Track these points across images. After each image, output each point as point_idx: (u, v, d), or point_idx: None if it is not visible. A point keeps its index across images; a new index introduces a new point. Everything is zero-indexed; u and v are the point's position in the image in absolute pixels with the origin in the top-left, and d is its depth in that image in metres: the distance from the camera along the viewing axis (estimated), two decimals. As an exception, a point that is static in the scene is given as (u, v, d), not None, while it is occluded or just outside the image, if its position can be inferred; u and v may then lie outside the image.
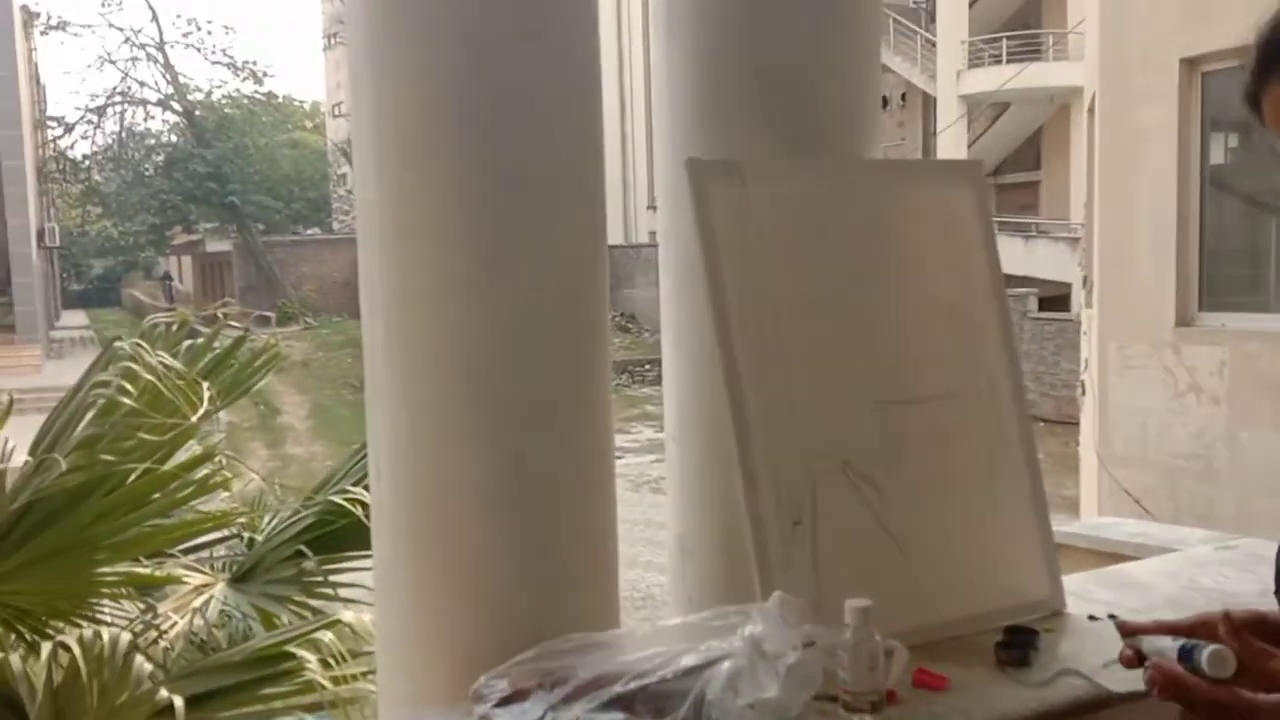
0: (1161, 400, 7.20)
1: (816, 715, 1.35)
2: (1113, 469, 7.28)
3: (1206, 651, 0.82)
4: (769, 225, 1.64)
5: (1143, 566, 1.97)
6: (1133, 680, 1.46)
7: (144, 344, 3.25)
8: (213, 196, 31.25)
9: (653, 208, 23.03)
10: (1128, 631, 0.93)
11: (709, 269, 1.59)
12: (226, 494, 4.47)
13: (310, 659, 2.68)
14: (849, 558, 1.59)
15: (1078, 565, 1.83)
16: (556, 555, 1.50)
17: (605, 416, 1.60)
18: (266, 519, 3.66)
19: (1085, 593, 1.79)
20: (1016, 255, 16.04)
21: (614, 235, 23.16)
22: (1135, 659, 0.92)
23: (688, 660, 1.32)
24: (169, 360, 3.22)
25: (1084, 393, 8.09)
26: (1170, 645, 0.87)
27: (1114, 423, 7.47)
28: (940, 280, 1.77)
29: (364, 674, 2.60)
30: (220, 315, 4.29)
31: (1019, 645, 1.53)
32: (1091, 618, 1.68)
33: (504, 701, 1.30)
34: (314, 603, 3.30)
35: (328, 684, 2.59)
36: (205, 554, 3.83)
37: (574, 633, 1.42)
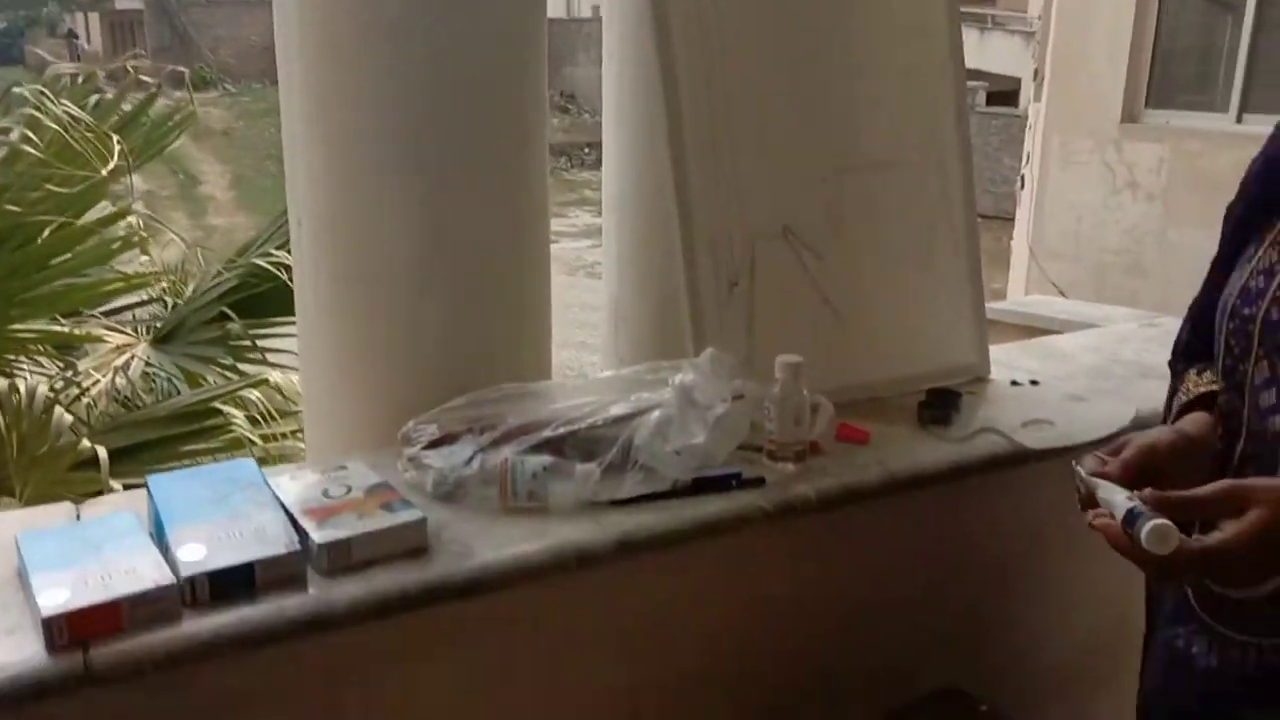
0: (1099, 196, 7.27)
1: (742, 463, 1.37)
2: (1044, 262, 7.42)
3: (1147, 527, 0.83)
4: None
5: (1067, 339, 2.01)
6: (1049, 439, 1.52)
7: (48, 93, 3.04)
8: (122, -53, 28.75)
9: (598, -20, 21.87)
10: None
11: (659, 32, 1.49)
12: (145, 258, 4.33)
13: (237, 415, 2.68)
14: (784, 321, 1.59)
15: (1006, 339, 1.85)
16: (488, 317, 1.46)
17: (540, 185, 1.53)
18: (191, 285, 3.58)
19: (1010, 361, 1.82)
20: (970, 47, 15.48)
21: (555, 8, 22.01)
22: (1089, 501, 0.95)
23: (617, 409, 1.32)
24: (75, 111, 3.03)
25: (1023, 186, 8.11)
26: (1121, 502, 0.88)
27: (1050, 216, 7.55)
28: (899, 40, 1.68)
29: (293, 432, 2.61)
30: (130, 70, 4.03)
31: (941, 405, 1.56)
32: (1014, 383, 1.72)
33: (432, 444, 1.29)
34: (242, 366, 3.27)
35: (256, 439, 2.60)
36: (127, 317, 3.75)
37: (505, 382, 1.41)
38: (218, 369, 3.27)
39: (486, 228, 1.46)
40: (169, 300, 3.79)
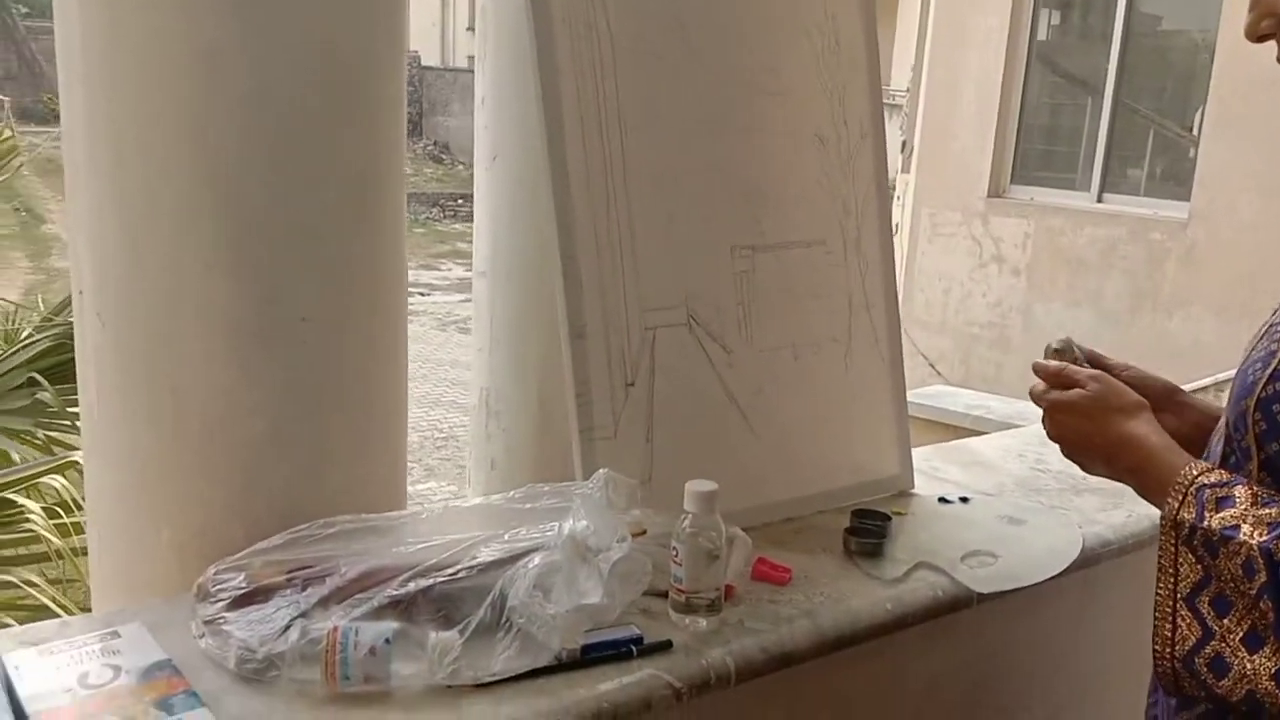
0: (966, 269, 7.38)
1: (641, 614, 1.11)
2: (913, 333, 7.47)
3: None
4: (618, 22, 1.30)
5: (989, 443, 1.83)
6: (995, 579, 1.31)
7: None
8: (-37, -33, 27.02)
9: (473, 29, 21.64)
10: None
11: (542, 66, 1.23)
12: (-48, 306, 3.82)
13: (34, 508, 2.27)
14: (687, 428, 1.34)
15: (915, 437, 1.66)
16: (323, 418, 1.16)
17: (396, 247, 1.24)
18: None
19: (932, 470, 1.62)
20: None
21: (430, 57, 21.63)
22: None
23: (486, 553, 1.04)
24: None
25: (895, 262, 8.21)
26: None
27: (918, 289, 7.63)
28: (814, 103, 1.48)
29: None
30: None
31: (870, 533, 1.34)
32: (942, 499, 1.51)
33: (239, 601, 0.98)
34: (60, 440, 2.86)
35: (53, 536, 2.19)
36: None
37: (341, 513, 1.11)
38: (29, 444, 2.84)
39: (326, 306, 1.17)
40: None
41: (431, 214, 15.80)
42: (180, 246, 1.10)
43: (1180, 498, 0.90)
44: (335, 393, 1.18)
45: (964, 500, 1.51)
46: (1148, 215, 6.35)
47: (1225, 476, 0.90)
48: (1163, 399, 1.19)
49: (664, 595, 1.12)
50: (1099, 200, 6.73)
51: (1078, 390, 1.04)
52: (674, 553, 1.09)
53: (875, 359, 1.55)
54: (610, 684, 0.99)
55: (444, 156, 19.22)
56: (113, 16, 1.07)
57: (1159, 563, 0.90)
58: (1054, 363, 1.08)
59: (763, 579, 1.23)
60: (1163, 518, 0.90)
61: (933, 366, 7.53)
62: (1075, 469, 1.69)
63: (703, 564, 1.09)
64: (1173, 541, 0.89)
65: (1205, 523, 0.87)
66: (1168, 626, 0.89)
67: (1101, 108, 6.67)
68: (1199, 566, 0.88)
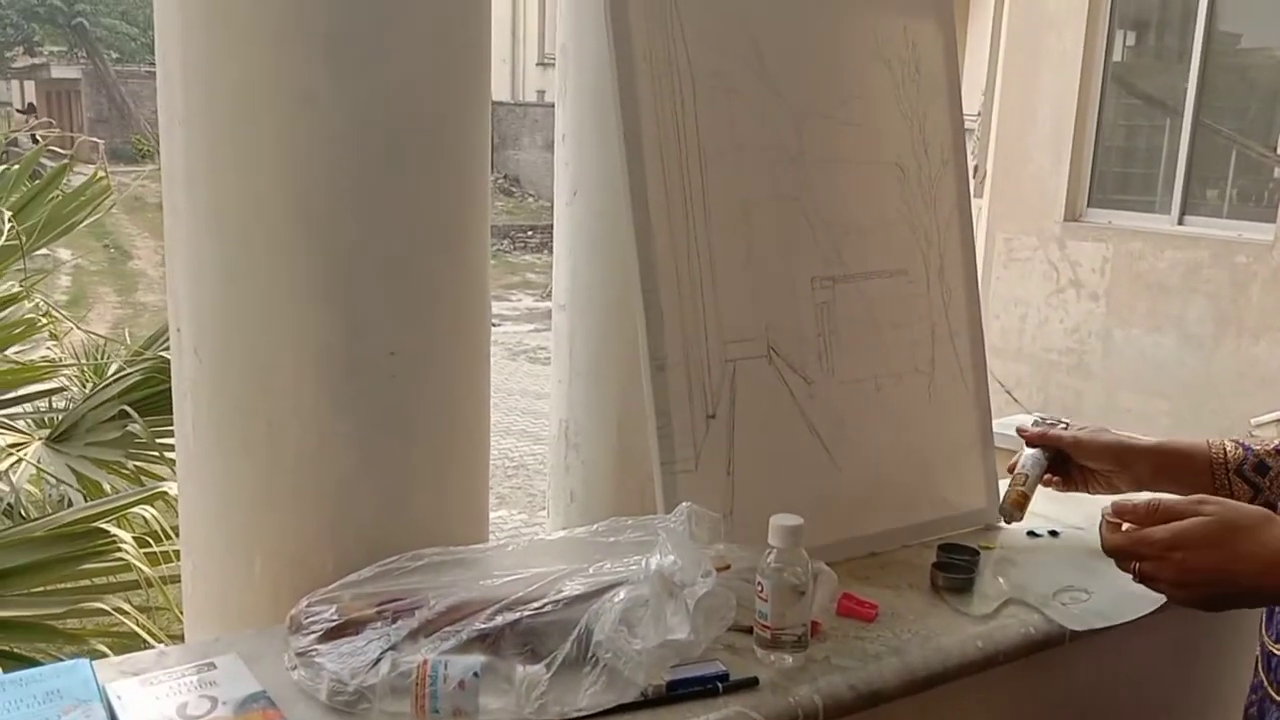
0: (1042, 294, 7.24)
1: (725, 650, 1.10)
2: (989, 360, 7.34)
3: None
4: (697, 57, 1.31)
5: (1077, 475, 1.78)
6: (1088, 616, 1.27)
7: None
8: (58, 16, 28.33)
9: (542, 64, 21.98)
10: None
11: (624, 102, 1.25)
12: (53, 342, 3.96)
13: (125, 537, 2.33)
14: (768, 461, 1.33)
15: (1000, 469, 1.62)
16: (409, 449, 1.18)
17: (480, 282, 1.26)
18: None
19: (1018, 503, 1.58)
20: (907, 142, 15.84)
21: (500, 92, 22.05)
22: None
23: (571, 587, 1.04)
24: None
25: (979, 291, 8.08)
26: None
27: (994, 315, 7.50)
28: (893, 131, 1.47)
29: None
30: (36, 138, 3.76)
31: (958, 568, 1.31)
32: (1031, 534, 1.47)
33: (329, 635, 1.00)
34: (149, 471, 2.95)
35: (143, 565, 2.25)
36: (27, 408, 3.41)
37: (427, 546, 1.13)
38: (119, 474, 2.93)
39: (413, 340, 1.19)
40: (77, 393, 3.47)
41: (502, 245, 16.03)
42: (274, 283, 1.13)
43: None
44: (422, 424, 1.20)
45: (1054, 534, 1.47)
46: (1231, 237, 6.17)
47: None
48: (1133, 454, 1.32)
49: (748, 631, 1.11)
50: (1180, 223, 6.56)
51: (1196, 519, 0.93)
52: (759, 588, 1.08)
53: (960, 389, 1.53)
54: (696, 721, 0.98)
55: (514, 189, 19.53)
56: (212, 61, 1.11)
57: None
58: (1139, 498, 0.99)
59: (848, 615, 1.21)
60: None
61: (1010, 394, 7.38)
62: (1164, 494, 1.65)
63: (788, 599, 1.07)
64: None
65: None
66: None
67: (1181, 128, 6.52)
68: None
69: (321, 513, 1.15)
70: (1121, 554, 0.98)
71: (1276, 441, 1.29)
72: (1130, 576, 1.04)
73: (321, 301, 1.12)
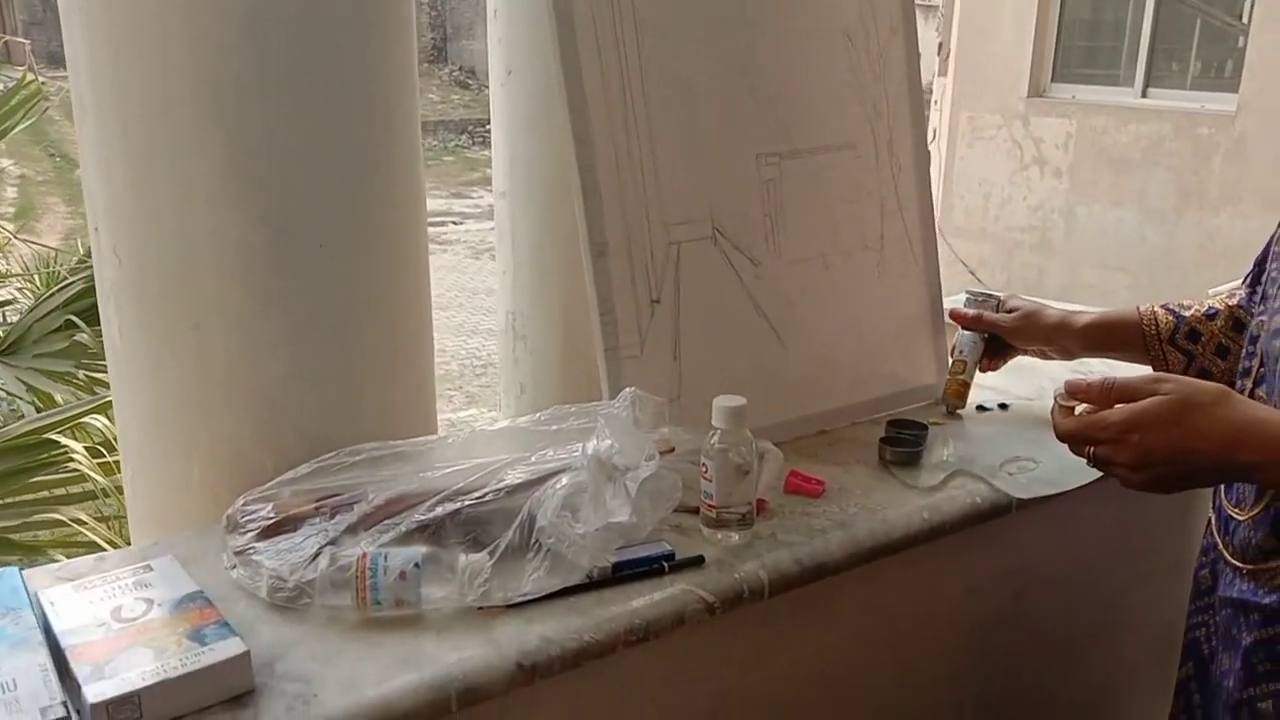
0: (1006, 173, 7.20)
1: (673, 531, 1.10)
2: (952, 240, 7.33)
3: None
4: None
5: (1029, 347, 1.78)
6: (1035, 485, 1.28)
7: None
8: (-19, -89, 26.80)
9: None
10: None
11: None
12: (-1, 255, 3.87)
13: (76, 448, 2.31)
14: (715, 344, 1.31)
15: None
16: (345, 346, 1.15)
17: (412, 167, 1.21)
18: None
19: (969, 377, 1.58)
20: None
21: (452, -20, 21.17)
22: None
23: (513, 475, 1.03)
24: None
25: (929, 163, 8.02)
26: None
27: (958, 195, 7.47)
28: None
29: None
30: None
31: (906, 442, 1.31)
32: (981, 407, 1.48)
33: (267, 532, 0.98)
34: (103, 376, 2.90)
35: (97, 475, 2.23)
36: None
37: (371, 440, 1.11)
38: (72, 384, 2.89)
39: (343, 232, 1.14)
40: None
41: (460, 141, 15.67)
42: (187, 178, 1.08)
43: None
44: (358, 320, 1.17)
45: (1003, 407, 1.48)
46: (1194, 109, 6.12)
47: None
48: (1067, 336, 1.34)
49: (696, 511, 1.11)
50: (1143, 96, 6.49)
51: (1153, 399, 0.89)
52: (704, 469, 1.08)
53: (910, 264, 1.51)
54: (642, 600, 0.98)
55: (470, 82, 18.98)
56: (103, -61, 1.04)
57: None
58: (1093, 379, 0.95)
59: (796, 492, 1.21)
60: None
61: (974, 274, 7.40)
62: (1119, 368, 1.66)
63: (733, 479, 1.07)
64: None
65: None
66: None
67: (1145, -1, 6.40)
68: None
69: (257, 413, 1.13)
70: (1075, 439, 0.96)
71: (1209, 303, 1.28)
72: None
73: (239, 196, 1.07)
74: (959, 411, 1.45)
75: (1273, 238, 1.21)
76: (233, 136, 1.06)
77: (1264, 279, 1.07)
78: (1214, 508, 1.10)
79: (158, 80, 1.06)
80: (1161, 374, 0.93)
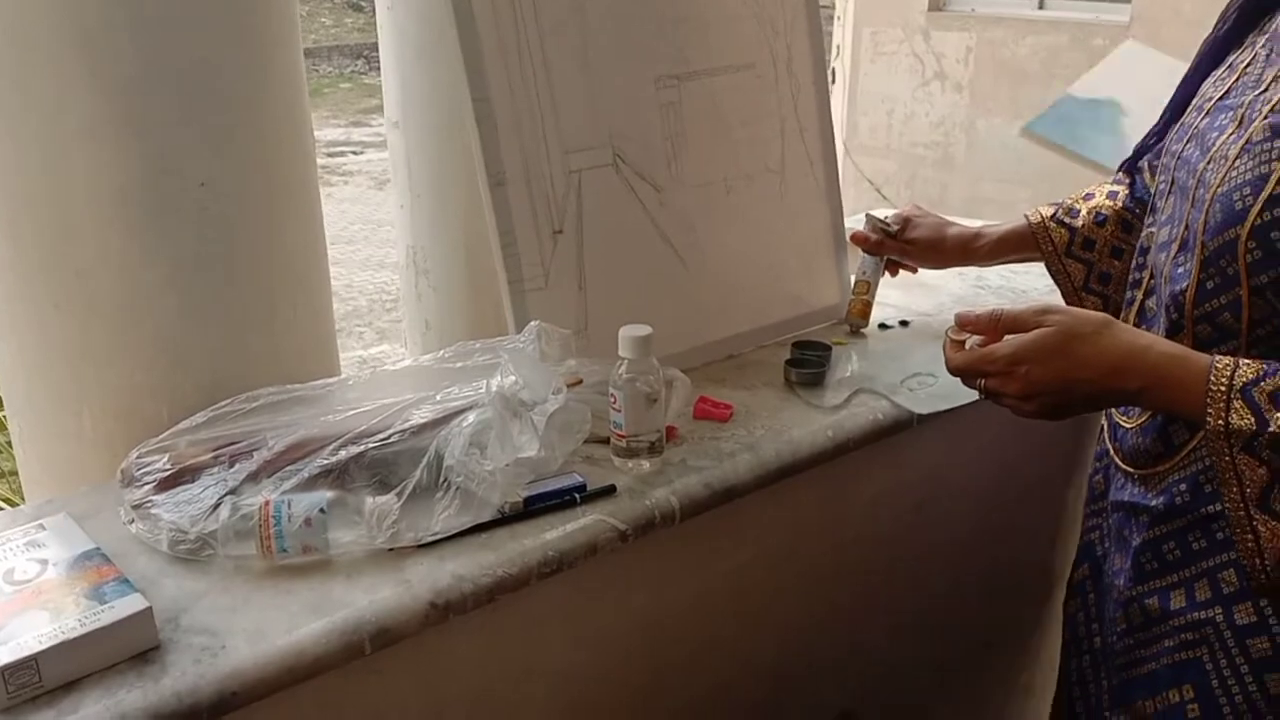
0: (909, 88, 7.24)
1: (584, 462, 1.10)
2: (857, 157, 7.38)
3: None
4: None
5: (928, 264, 1.82)
6: (934, 400, 1.32)
7: None
8: None
9: None
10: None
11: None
12: None
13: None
14: (621, 272, 1.30)
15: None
16: (236, 289, 1.11)
17: (297, 97, 1.16)
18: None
19: (872, 296, 1.61)
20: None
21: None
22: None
23: (419, 415, 1.02)
24: None
25: (833, 80, 8.02)
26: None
27: (862, 111, 7.50)
28: (733, -84, 1.39)
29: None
30: None
31: (810, 364, 1.33)
32: (883, 325, 1.51)
33: (164, 484, 0.95)
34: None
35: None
36: None
37: (272, 384, 1.08)
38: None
39: (226, 168, 1.09)
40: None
41: (356, 66, 15.11)
42: (55, 117, 1.01)
43: (1224, 404, 0.84)
44: (247, 259, 1.13)
45: (904, 324, 1.51)
46: (1089, 20, 6.22)
47: (1261, 368, 0.84)
48: (972, 259, 1.41)
49: (607, 442, 1.12)
50: (1040, 7, 6.57)
51: (1037, 331, 0.92)
52: (612, 399, 1.08)
53: (811, 185, 1.51)
54: (555, 532, 0.99)
55: (364, 4, 18.24)
56: None
57: (1220, 475, 0.86)
58: (981, 311, 0.97)
59: (704, 417, 1.22)
60: (1207, 429, 0.85)
61: (879, 191, 7.48)
62: (1017, 282, 1.70)
63: (641, 408, 1.08)
64: (1228, 451, 0.84)
65: (1272, 426, 0.82)
66: (1249, 537, 0.86)
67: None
68: (1263, 469, 0.83)
69: (147, 362, 1.09)
70: (966, 372, 0.98)
71: (1097, 205, 1.32)
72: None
73: (111, 135, 1.02)
74: (862, 330, 1.48)
75: (1150, 133, 1.25)
76: (99, 70, 1.00)
77: (1153, 191, 1.10)
78: (1105, 416, 1.14)
79: (14, 12, 0.99)
80: (1047, 305, 0.95)
